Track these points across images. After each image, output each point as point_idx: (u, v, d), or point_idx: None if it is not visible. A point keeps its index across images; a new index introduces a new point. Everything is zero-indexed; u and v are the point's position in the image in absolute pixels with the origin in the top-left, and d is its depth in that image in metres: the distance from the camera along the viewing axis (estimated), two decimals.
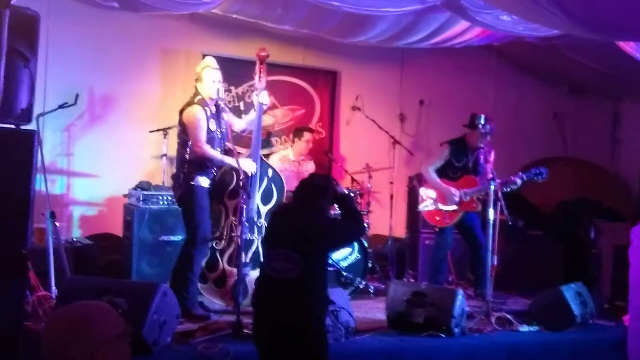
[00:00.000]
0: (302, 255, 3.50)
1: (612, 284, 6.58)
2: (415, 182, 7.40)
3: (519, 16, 5.60)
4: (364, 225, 4.13)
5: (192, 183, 5.21)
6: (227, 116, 5.60)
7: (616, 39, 5.89)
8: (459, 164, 6.41)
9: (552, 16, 4.63)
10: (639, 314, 2.90)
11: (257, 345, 3.68)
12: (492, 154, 6.31)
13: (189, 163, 5.23)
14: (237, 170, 5.18)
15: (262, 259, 3.96)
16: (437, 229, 6.57)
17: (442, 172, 6.43)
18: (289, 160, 7.11)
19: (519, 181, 6.10)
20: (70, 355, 2.02)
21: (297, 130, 7.27)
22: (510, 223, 6.14)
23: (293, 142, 7.24)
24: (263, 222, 5.52)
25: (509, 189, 6.13)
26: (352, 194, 6.55)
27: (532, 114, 8.96)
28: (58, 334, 2.06)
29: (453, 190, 6.30)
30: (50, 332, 2.09)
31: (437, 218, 6.47)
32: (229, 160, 5.21)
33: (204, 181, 5.26)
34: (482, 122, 6.05)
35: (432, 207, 6.45)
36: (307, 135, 7.14)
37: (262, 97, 5.54)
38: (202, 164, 5.23)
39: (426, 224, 6.97)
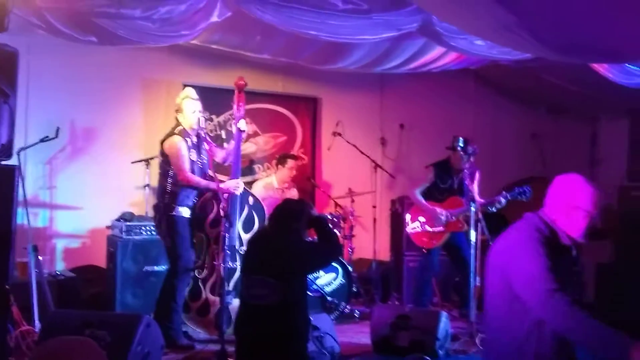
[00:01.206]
0: (280, 280, 3.53)
1: (595, 301, 6.64)
2: (398, 205, 7.47)
3: (492, 41, 5.71)
4: (340, 246, 4.16)
5: (172, 213, 5.24)
6: (209, 146, 5.64)
7: (587, 62, 6.01)
8: (444, 185, 6.51)
9: (523, 41, 4.74)
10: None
11: None
12: (478, 174, 6.40)
13: (170, 193, 5.26)
14: (218, 199, 5.21)
15: (240, 286, 3.94)
16: (424, 250, 6.61)
17: (429, 195, 6.53)
18: (273, 187, 7.14)
19: (503, 200, 6.18)
20: None
21: (281, 158, 7.32)
22: (491, 243, 6.18)
23: (277, 169, 7.28)
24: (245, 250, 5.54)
25: (493, 209, 6.21)
26: (330, 217, 6.60)
27: (510, 135, 9.08)
28: None
29: (439, 211, 6.39)
30: None
31: (425, 239, 6.52)
32: (214, 186, 5.25)
33: (184, 211, 5.29)
34: (461, 144, 6.13)
35: (419, 229, 6.52)
36: (290, 163, 7.18)
37: (241, 125, 5.59)
38: (182, 194, 5.26)
39: (410, 247, 7.03)
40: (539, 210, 3.11)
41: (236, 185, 5.41)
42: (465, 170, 6.22)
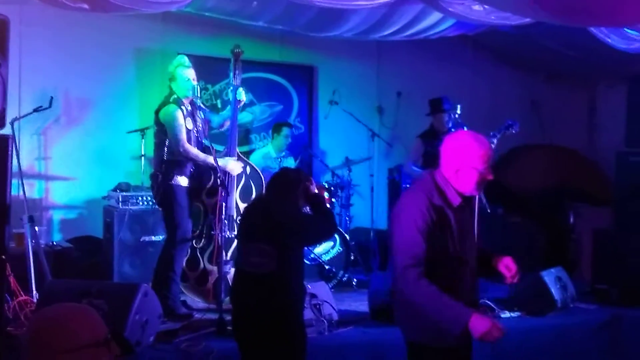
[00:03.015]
0: (277, 248, 3.52)
1: (592, 268, 6.66)
2: (396, 174, 7.45)
3: (491, 5, 5.64)
4: (336, 225, 4.14)
5: (170, 182, 5.20)
6: (204, 113, 5.59)
7: (586, 25, 5.95)
8: (435, 150, 6.42)
9: (523, 5, 4.68)
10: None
11: (237, 340, 3.69)
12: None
13: (167, 163, 5.22)
14: (215, 168, 5.18)
15: (236, 254, 3.93)
16: None
17: (427, 164, 6.41)
18: (271, 157, 7.11)
19: (494, 141, 6.14)
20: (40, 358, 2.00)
21: (276, 126, 7.29)
22: (488, 210, 6.19)
23: (272, 138, 7.25)
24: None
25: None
26: (327, 186, 6.58)
27: (509, 102, 9.01)
28: (33, 335, 2.04)
29: None
30: (27, 333, 2.07)
31: None
32: (211, 161, 5.19)
33: (182, 180, 5.26)
34: (449, 105, 6.15)
35: None
36: (285, 131, 7.15)
37: (238, 94, 5.54)
38: (179, 163, 5.23)
39: None
40: (435, 170, 3.15)
41: (234, 167, 5.36)
42: (452, 130, 6.20)
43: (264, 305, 3.52)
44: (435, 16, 6.56)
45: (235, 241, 5.43)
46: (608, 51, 6.58)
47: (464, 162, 3.02)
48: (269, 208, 3.70)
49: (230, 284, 5.23)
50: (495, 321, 2.89)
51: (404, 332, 3.22)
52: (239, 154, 5.68)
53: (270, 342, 3.52)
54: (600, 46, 6.47)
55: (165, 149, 5.24)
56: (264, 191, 5.58)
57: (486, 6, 5.77)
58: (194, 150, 5.21)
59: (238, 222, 5.50)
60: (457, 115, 6.26)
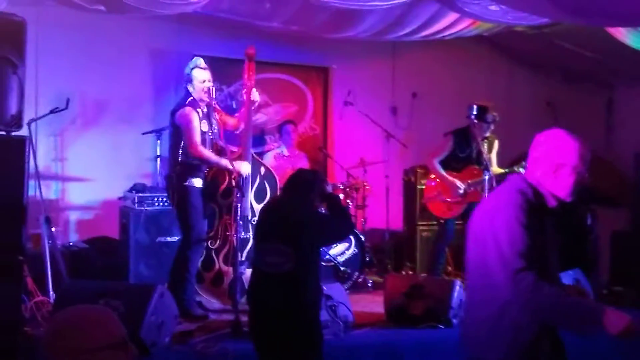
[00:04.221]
0: (294, 248, 3.51)
1: (610, 270, 6.60)
2: (411, 175, 7.42)
3: (508, 6, 5.61)
4: (353, 224, 4.13)
5: (185, 184, 5.21)
6: (221, 116, 5.60)
7: (604, 25, 5.89)
8: (462, 154, 6.32)
9: (540, 4, 4.65)
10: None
11: (253, 340, 3.69)
12: (497, 143, 6.35)
13: (181, 164, 5.23)
14: (229, 169, 5.18)
15: (253, 254, 3.92)
16: (441, 221, 6.55)
17: (445, 164, 6.35)
18: (284, 156, 7.11)
19: (522, 170, 6.08)
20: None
21: (279, 127, 7.35)
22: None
23: (280, 137, 7.28)
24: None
25: None
26: (342, 187, 6.57)
27: (525, 103, 8.95)
28: (51, 337, 2.05)
29: (458, 183, 6.23)
30: (45, 335, 2.07)
31: (443, 209, 6.43)
32: (224, 163, 5.20)
33: (197, 182, 5.26)
34: (475, 112, 6.05)
35: (437, 199, 6.42)
36: (288, 127, 7.16)
37: (252, 95, 5.53)
38: (194, 164, 5.23)
39: (424, 216, 7.00)
40: (524, 172, 2.87)
41: (245, 169, 5.36)
42: (486, 139, 6.17)
43: (280, 306, 3.52)
44: (452, 16, 6.53)
45: (251, 242, 5.45)
46: (625, 51, 6.52)
47: (563, 161, 2.73)
48: (287, 208, 3.70)
49: (246, 284, 5.25)
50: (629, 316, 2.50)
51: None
52: (253, 154, 5.68)
53: (287, 343, 3.51)
54: (618, 46, 6.42)
55: (180, 150, 5.25)
56: (278, 192, 5.61)
57: (502, 6, 5.74)
58: (207, 153, 5.21)
59: (253, 222, 5.50)
60: (492, 127, 6.23)
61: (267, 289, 3.59)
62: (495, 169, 6.24)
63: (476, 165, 6.32)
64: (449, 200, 6.34)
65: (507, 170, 6.23)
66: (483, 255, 2.72)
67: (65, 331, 2.02)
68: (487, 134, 6.24)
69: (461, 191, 6.23)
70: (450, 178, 6.27)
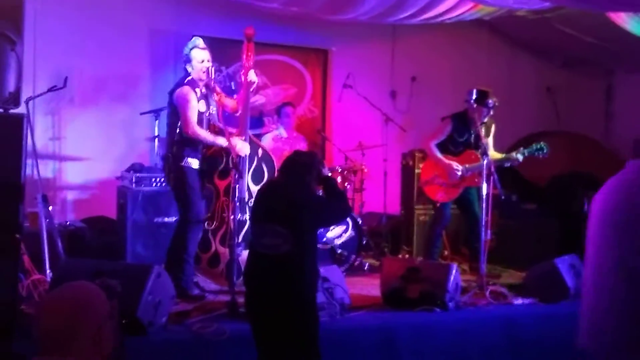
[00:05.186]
0: (291, 229, 3.51)
1: None
2: (409, 159, 7.41)
3: None
4: (350, 207, 4.13)
5: (181, 164, 5.19)
6: (220, 97, 5.56)
7: (606, 10, 5.87)
8: (461, 138, 6.31)
9: None
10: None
11: (250, 321, 3.70)
12: (494, 127, 6.36)
13: (178, 144, 5.20)
14: (227, 150, 5.16)
15: (250, 235, 3.90)
16: (438, 205, 6.55)
17: (443, 148, 6.35)
18: (282, 138, 7.10)
19: (520, 157, 6.12)
20: (76, 336, 2.02)
21: (277, 109, 7.33)
22: (503, 197, 6.14)
23: (279, 119, 7.26)
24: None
25: (509, 164, 6.16)
26: (340, 170, 6.56)
27: (525, 88, 8.95)
28: (61, 316, 2.05)
29: (455, 165, 6.25)
30: (51, 314, 2.07)
31: (439, 194, 6.43)
32: (221, 141, 5.19)
33: (193, 162, 5.24)
34: (475, 95, 6.05)
35: (433, 183, 6.41)
36: (286, 109, 7.14)
37: (250, 76, 5.50)
38: (191, 145, 5.21)
39: (421, 200, 7.01)
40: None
41: (242, 147, 5.32)
42: (484, 124, 6.16)
43: (277, 288, 3.52)
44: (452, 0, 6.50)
45: (248, 223, 5.45)
46: (626, 37, 6.50)
47: None
48: (284, 190, 3.70)
49: (242, 266, 5.26)
50: None
51: None
52: (251, 136, 5.65)
53: (283, 325, 3.52)
54: (618, 32, 6.40)
55: (177, 130, 5.22)
56: (276, 173, 5.60)
57: None
58: (202, 132, 5.18)
59: (250, 205, 5.50)
60: (491, 113, 6.22)
61: (263, 270, 3.59)
62: (493, 153, 6.24)
63: (474, 149, 6.31)
64: (445, 183, 6.35)
65: (504, 156, 6.23)
66: (628, 253, 2.53)
67: (79, 310, 2.04)
68: (486, 119, 6.23)
69: (459, 174, 6.23)
70: (446, 161, 6.27)
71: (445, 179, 6.34)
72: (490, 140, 6.38)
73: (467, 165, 6.24)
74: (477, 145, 6.27)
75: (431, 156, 6.42)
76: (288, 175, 3.78)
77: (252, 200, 5.47)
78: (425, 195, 6.65)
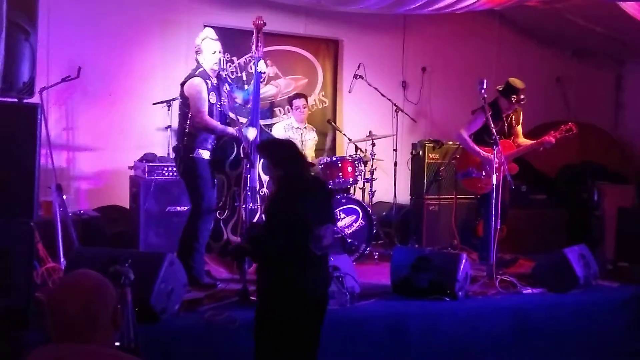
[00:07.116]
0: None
1: (616, 246, 6.63)
2: (419, 149, 7.43)
3: None
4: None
5: (192, 155, 5.23)
6: (230, 88, 5.59)
7: (617, 0, 5.85)
8: (495, 128, 6.28)
9: None
10: None
11: (301, 325, 3.66)
12: (521, 115, 6.50)
13: (189, 135, 5.24)
14: (238, 140, 5.20)
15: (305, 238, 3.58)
16: (478, 196, 6.58)
17: (478, 138, 6.32)
18: (293, 128, 7.12)
19: (553, 140, 6.15)
20: (95, 322, 2.06)
21: (289, 99, 7.31)
22: (513, 187, 6.15)
23: (290, 110, 7.28)
24: (265, 191, 5.56)
25: (541, 148, 6.28)
26: (351, 159, 6.60)
27: (535, 78, 8.88)
28: (78, 303, 2.07)
29: (492, 157, 6.19)
30: (68, 302, 2.09)
31: (479, 185, 6.43)
32: (231, 131, 5.23)
33: (204, 153, 5.28)
34: (522, 97, 6.21)
35: (472, 175, 6.42)
36: (298, 102, 7.14)
37: (260, 66, 5.52)
38: (202, 135, 5.24)
39: (431, 190, 7.09)
40: None
41: (251, 133, 5.34)
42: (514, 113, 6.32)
43: (323, 285, 3.58)
44: None
45: (259, 212, 5.49)
46: (637, 28, 6.48)
47: None
48: (325, 187, 3.76)
49: None
50: None
51: None
52: (262, 126, 5.67)
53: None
54: (629, 23, 6.38)
55: (188, 121, 5.26)
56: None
57: None
58: (212, 122, 5.21)
59: (261, 193, 5.55)
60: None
61: (317, 272, 3.67)
62: (522, 140, 6.38)
63: (508, 138, 6.37)
64: (483, 175, 6.32)
65: (537, 141, 6.27)
66: None
67: (95, 297, 2.09)
68: (514, 109, 6.31)
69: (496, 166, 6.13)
70: (483, 152, 6.24)
71: (481, 170, 6.33)
72: (519, 128, 6.45)
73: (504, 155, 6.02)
74: (510, 133, 6.35)
75: (466, 148, 6.41)
76: (293, 165, 3.79)
77: (263, 189, 5.53)
78: (463, 187, 6.70)
